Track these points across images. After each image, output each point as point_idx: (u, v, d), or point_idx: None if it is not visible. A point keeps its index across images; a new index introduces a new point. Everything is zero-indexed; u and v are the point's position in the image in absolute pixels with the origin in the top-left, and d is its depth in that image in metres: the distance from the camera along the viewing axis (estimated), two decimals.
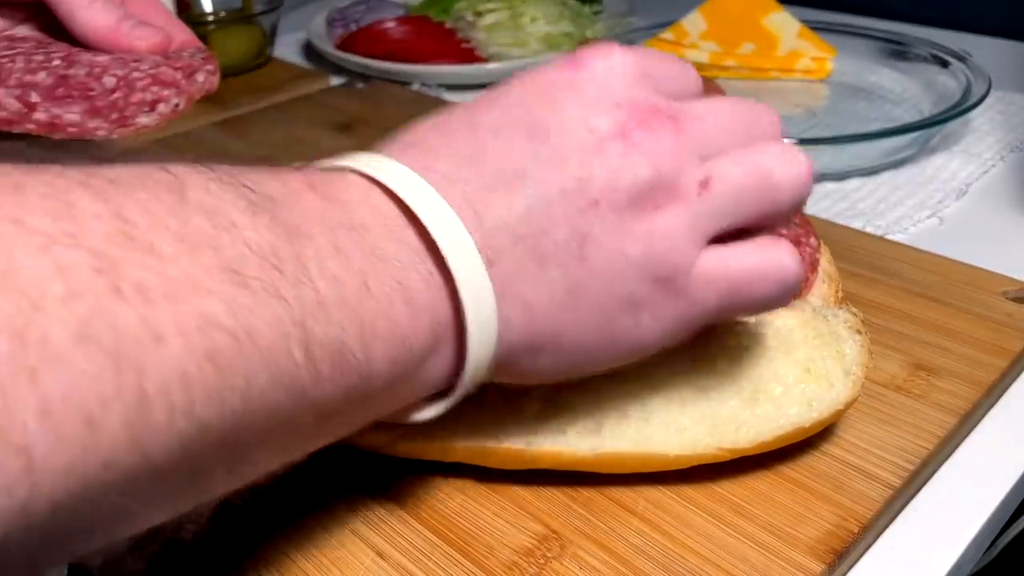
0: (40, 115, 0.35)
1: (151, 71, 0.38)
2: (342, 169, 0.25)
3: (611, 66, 0.27)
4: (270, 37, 0.82)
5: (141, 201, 0.19)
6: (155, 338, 0.17)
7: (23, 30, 0.43)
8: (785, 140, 0.60)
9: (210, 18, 0.81)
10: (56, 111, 0.35)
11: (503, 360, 0.26)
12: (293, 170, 0.24)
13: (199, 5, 0.83)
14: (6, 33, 0.42)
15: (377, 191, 0.24)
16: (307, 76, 0.79)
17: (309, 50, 0.93)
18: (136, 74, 0.37)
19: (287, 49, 0.92)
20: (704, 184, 0.26)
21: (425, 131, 0.26)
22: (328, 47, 0.84)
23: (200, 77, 0.38)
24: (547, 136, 0.25)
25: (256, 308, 0.19)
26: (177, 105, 0.37)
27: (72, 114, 0.35)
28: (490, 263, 0.24)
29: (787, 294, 0.28)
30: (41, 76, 0.37)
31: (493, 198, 0.24)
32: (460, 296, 0.23)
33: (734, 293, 0.27)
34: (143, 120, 0.36)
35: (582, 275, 0.25)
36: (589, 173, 0.25)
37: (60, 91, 0.36)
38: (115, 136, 0.36)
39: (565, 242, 0.25)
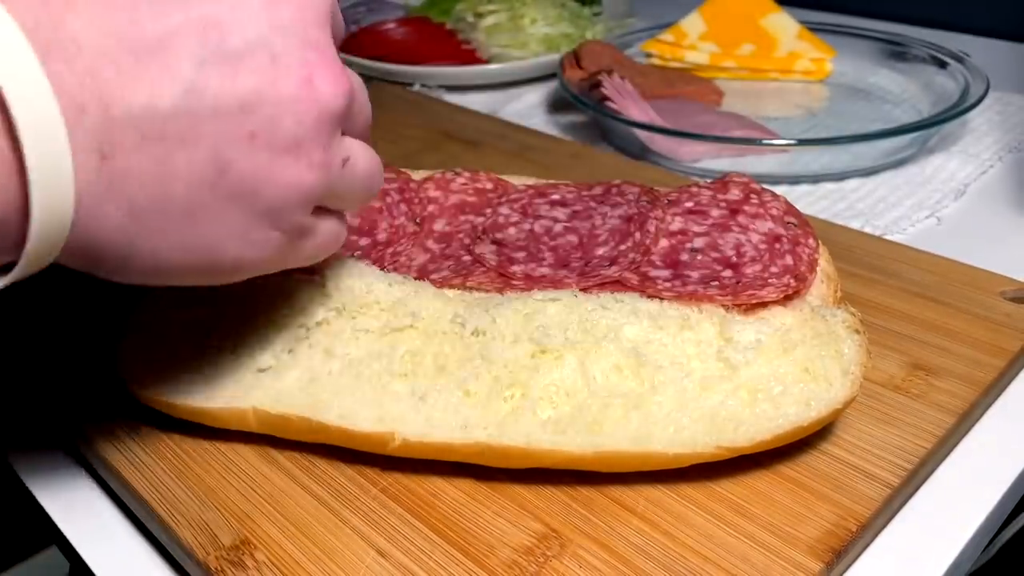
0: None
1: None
2: None
3: None
4: None
5: None
6: None
7: None
8: (784, 141, 0.60)
9: None
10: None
11: (92, 251, 0.24)
12: None
13: None
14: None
15: None
16: None
17: None
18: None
19: None
20: (344, 162, 0.28)
21: None
22: None
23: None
24: (222, 41, 0.23)
25: None
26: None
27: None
28: (101, 156, 0.22)
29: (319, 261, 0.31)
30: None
31: (132, 86, 0.22)
32: (28, 177, 0.21)
33: (320, 252, 0.30)
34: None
35: (207, 199, 0.24)
36: (256, 101, 0.24)
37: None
38: None
39: (201, 162, 0.24)
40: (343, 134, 0.28)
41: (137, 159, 0.23)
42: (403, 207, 0.44)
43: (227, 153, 0.24)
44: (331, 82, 0.25)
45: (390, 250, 0.41)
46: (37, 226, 0.22)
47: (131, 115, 0.22)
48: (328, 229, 0.30)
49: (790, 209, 0.41)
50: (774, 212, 0.40)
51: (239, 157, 0.24)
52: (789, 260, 0.38)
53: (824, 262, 0.39)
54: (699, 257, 0.38)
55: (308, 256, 0.30)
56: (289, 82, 0.24)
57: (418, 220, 0.43)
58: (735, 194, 0.42)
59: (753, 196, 0.41)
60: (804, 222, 0.40)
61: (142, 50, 0.22)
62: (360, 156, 0.29)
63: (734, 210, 0.41)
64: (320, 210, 0.29)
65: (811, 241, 0.39)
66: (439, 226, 0.43)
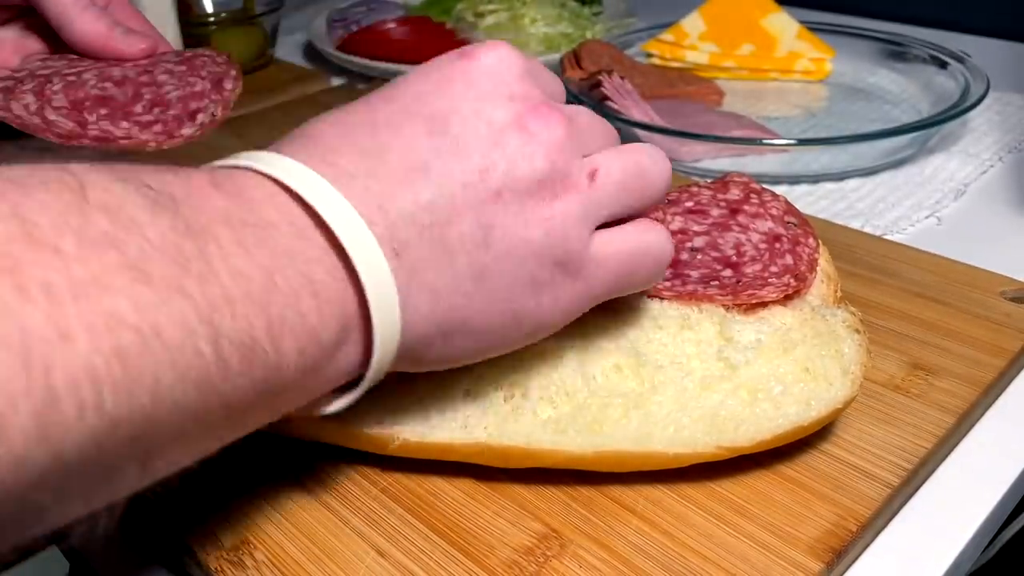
0: (93, 131, 0.37)
1: (182, 89, 0.41)
2: (243, 168, 0.25)
3: (500, 59, 0.28)
4: (271, 38, 0.83)
5: (42, 202, 0.19)
6: (62, 336, 0.17)
7: (8, 32, 0.44)
8: (784, 141, 0.60)
9: (211, 19, 0.82)
10: (107, 127, 0.38)
11: (415, 346, 0.27)
12: (195, 169, 0.24)
13: (200, 6, 0.83)
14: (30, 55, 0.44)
15: (279, 190, 0.24)
16: (308, 77, 0.79)
17: (310, 51, 0.93)
18: (168, 88, 0.40)
19: (288, 50, 0.93)
20: (592, 175, 0.28)
21: (325, 127, 0.27)
22: (329, 48, 0.84)
23: (228, 84, 0.41)
24: (446, 129, 0.27)
25: (161, 305, 0.19)
26: (214, 114, 0.40)
27: (121, 129, 0.38)
28: (395, 254, 0.25)
29: (662, 270, 0.32)
30: (82, 94, 0.40)
31: (397, 191, 0.25)
32: (364, 288, 0.24)
33: (623, 272, 0.30)
34: (186, 131, 0.38)
35: (487, 262, 0.27)
36: (490, 164, 0.26)
37: (104, 110, 0.39)
38: (165, 147, 0.39)
39: (470, 232, 0.26)
40: (585, 156, 0.29)
41: (420, 248, 0.25)
42: None
43: (485, 216, 0.26)
44: (542, 119, 0.28)
45: None
46: (379, 333, 0.25)
47: (405, 213, 0.25)
48: (626, 240, 0.30)
49: (790, 209, 0.41)
50: (774, 212, 0.40)
51: (496, 214, 0.26)
52: (789, 260, 0.38)
53: (824, 262, 0.39)
54: (699, 256, 0.38)
55: (613, 275, 0.30)
56: (509, 136, 0.27)
57: None
58: (735, 194, 0.42)
59: (753, 196, 0.41)
60: (804, 222, 0.40)
61: (395, 167, 0.26)
62: (610, 163, 0.29)
63: (734, 210, 0.41)
64: (610, 230, 0.30)
65: (811, 241, 0.39)
66: None
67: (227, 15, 0.82)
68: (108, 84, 0.41)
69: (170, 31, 0.69)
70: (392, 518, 0.32)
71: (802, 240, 0.39)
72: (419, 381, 0.34)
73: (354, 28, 0.88)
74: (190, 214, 0.22)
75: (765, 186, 0.43)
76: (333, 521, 0.32)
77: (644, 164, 0.30)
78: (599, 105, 0.62)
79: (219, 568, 0.30)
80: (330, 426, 0.33)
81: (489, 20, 0.83)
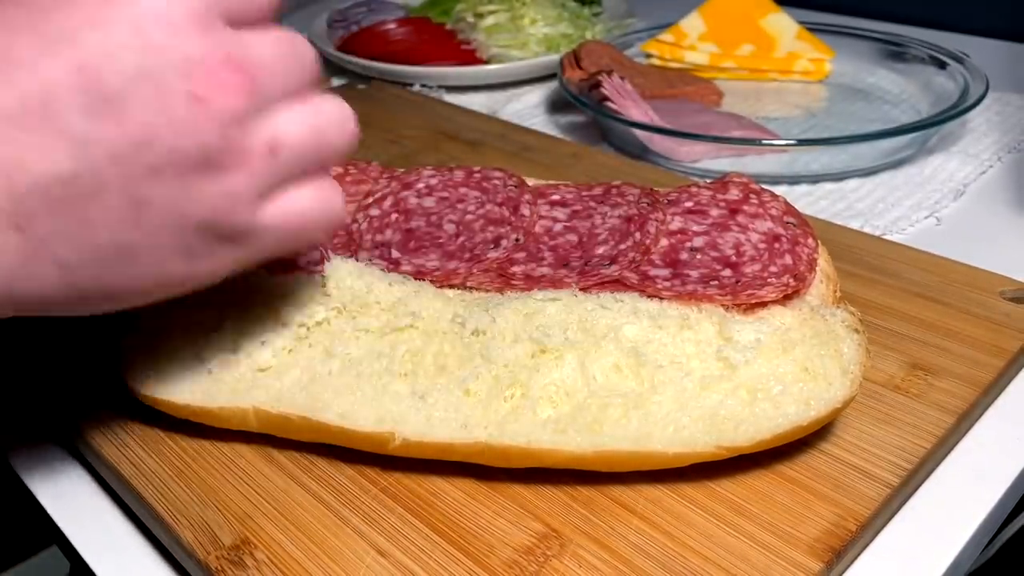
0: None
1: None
2: None
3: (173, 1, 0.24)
4: None
5: None
6: None
7: None
8: (784, 141, 0.60)
9: None
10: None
11: (36, 305, 0.25)
12: None
13: None
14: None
15: None
16: None
17: None
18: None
19: None
20: (270, 149, 0.26)
21: None
22: (329, 48, 0.84)
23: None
24: (100, 85, 0.23)
25: None
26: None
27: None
28: (19, 229, 0.23)
29: (331, 231, 0.30)
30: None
31: (28, 156, 0.23)
32: None
33: (291, 238, 0.28)
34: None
35: (136, 237, 0.25)
36: (151, 135, 0.23)
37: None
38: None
39: (117, 208, 0.24)
40: (269, 107, 0.26)
41: (53, 222, 0.23)
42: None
43: (138, 192, 0.24)
44: (220, 87, 0.24)
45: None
46: None
47: (35, 184, 0.23)
48: (299, 203, 0.28)
49: (789, 209, 0.41)
50: (773, 212, 0.40)
51: (151, 191, 0.24)
52: (788, 260, 0.38)
53: (823, 262, 0.39)
54: (698, 256, 0.38)
55: (282, 240, 0.28)
56: (178, 106, 0.24)
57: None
58: (734, 194, 0.42)
59: (752, 196, 0.42)
60: (803, 222, 0.40)
61: (26, 116, 0.22)
62: (291, 131, 0.27)
63: (733, 210, 0.41)
64: (283, 188, 0.27)
65: (810, 241, 0.39)
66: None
67: None
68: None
69: None
70: (392, 518, 0.32)
71: (801, 240, 0.39)
72: (420, 377, 0.34)
73: (354, 28, 0.88)
74: None
75: (764, 186, 0.43)
76: (333, 520, 0.32)
77: (326, 131, 0.28)
78: (599, 105, 0.62)
79: (219, 568, 0.30)
80: (331, 426, 0.33)
81: (489, 21, 0.83)
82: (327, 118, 0.28)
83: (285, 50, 0.27)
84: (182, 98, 0.24)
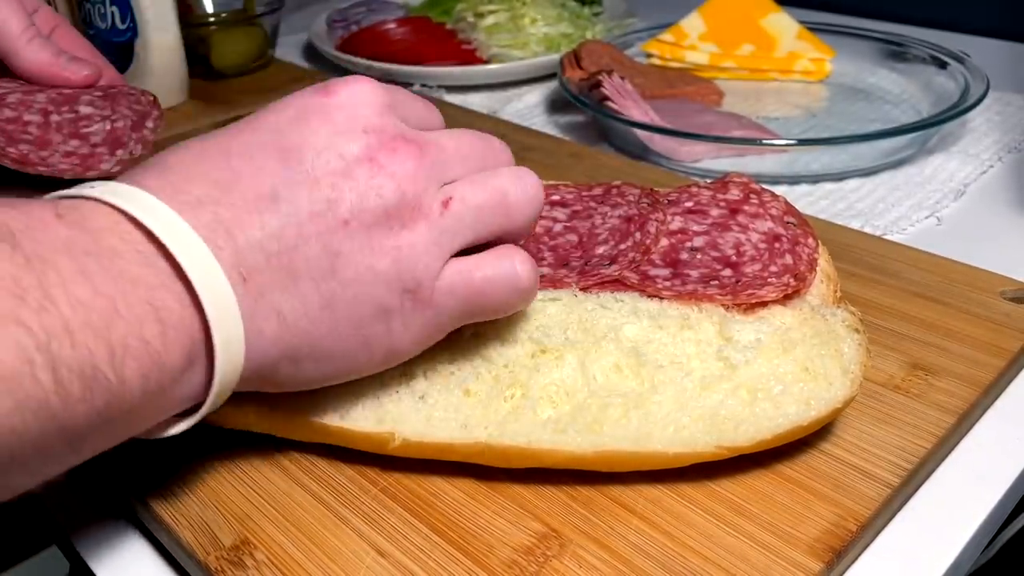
0: (12, 152, 0.41)
1: (106, 129, 0.45)
2: (88, 198, 0.25)
3: (359, 93, 0.29)
4: (271, 38, 0.83)
5: None
6: None
7: None
8: (784, 141, 0.60)
9: (211, 19, 0.82)
10: (26, 151, 0.42)
11: (263, 369, 0.28)
12: (38, 200, 0.25)
13: (201, 6, 0.83)
14: None
15: (123, 218, 0.25)
16: (308, 77, 0.79)
17: (310, 51, 0.93)
18: (93, 128, 0.44)
19: (288, 50, 0.93)
20: (445, 204, 0.29)
21: (180, 155, 0.28)
22: (329, 48, 0.84)
23: (150, 123, 0.45)
24: (299, 160, 0.27)
25: None
26: (132, 152, 0.43)
27: (38, 156, 0.42)
28: (243, 279, 0.26)
29: (523, 297, 0.32)
30: (3, 118, 0.44)
31: (245, 218, 0.26)
32: (206, 314, 0.25)
33: (474, 300, 0.30)
34: (104, 166, 0.42)
35: (335, 288, 0.27)
36: (339, 195, 0.27)
37: (27, 135, 0.43)
38: (88, 175, 0.42)
39: (317, 258, 0.27)
40: (447, 184, 0.30)
41: (268, 273, 0.26)
42: None
43: (333, 244, 0.27)
44: (392, 152, 0.28)
45: None
46: (222, 358, 0.25)
47: (252, 240, 0.26)
48: (482, 267, 0.30)
49: (790, 209, 0.41)
50: (774, 212, 0.40)
51: (343, 242, 0.27)
52: (789, 260, 0.38)
53: (824, 262, 0.39)
54: (699, 256, 0.38)
55: (465, 303, 0.30)
56: (359, 168, 0.28)
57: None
58: (735, 194, 0.42)
59: (753, 196, 0.41)
60: (804, 222, 0.40)
61: (245, 198, 0.27)
62: (468, 191, 0.30)
63: (734, 210, 0.41)
64: (465, 258, 0.30)
65: (811, 241, 0.39)
66: None
67: (227, 15, 0.82)
68: (34, 115, 0.45)
69: (171, 32, 0.69)
70: (392, 518, 0.32)
71: (802, 240, 0.39)
72: (418, 378, 0.34)
73: (354, 28, 0.88)
74: (29, 246, 0.22)
75: (765, 186, 0.43)
76: (333, 521, 0.32)
77: (507, 190, 0.30)
78: (599, 105, 0.62)
79: (219, 568, 0.30)
80: (331, 426, 0.33)
81: (489, 20, 0.83)
82: (509, 182, 0.31)
83: (467, 139, 0.31)
84: (363, 162, 0.28)
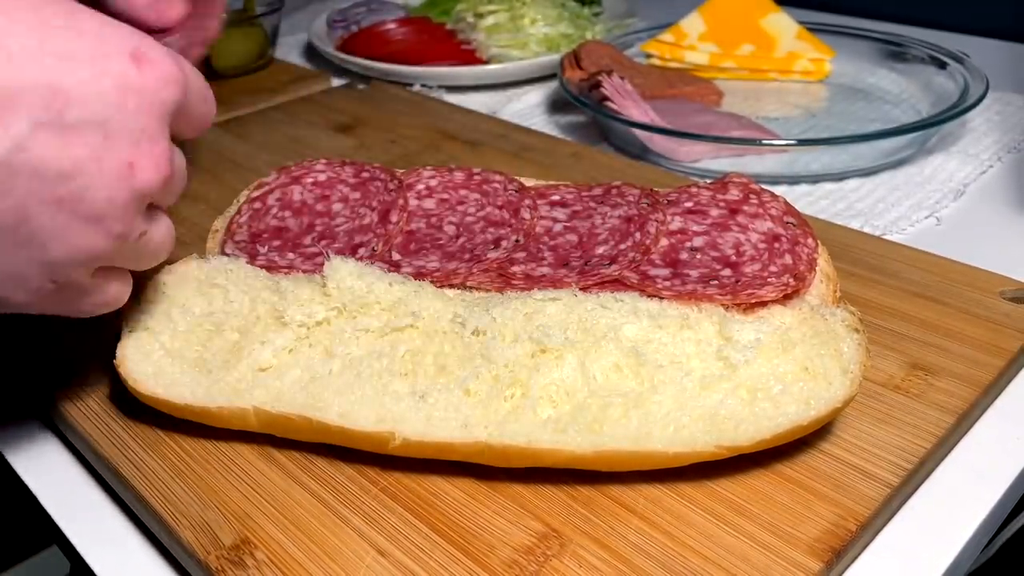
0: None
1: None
2: None
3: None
4: (271, 38, 0.83)
5: None
6: None
7: None
8: (784, 141, 0.60)
9: None
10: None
11: None
12: None
13: None
14: None
15: None
16: (308, 77, 0.79)
17: (310, 51, 0.93)
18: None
19: (288, 50, 0.93)
20: (142, 235, 0.30)
21: None
22: (329, 48, 0.84)
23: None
24: (66, 106, 0.26)
25: None
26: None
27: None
28: None
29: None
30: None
31: None
32: None
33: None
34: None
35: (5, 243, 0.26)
36: (78, 171, 0.26)
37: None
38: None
39: (4, 212, 0.26)
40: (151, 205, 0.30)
41: None
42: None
43: (31, 209, 0.26)
44: (152, 171, 0.28)
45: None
46: None
47: None
48: (109, 291, 0.31)
49: (789, 209, 0.41)
50: (773, 212, 0.40)
51: (41, 214, 0.26)
52: (788, 260, 0.38)
53: (823, 262, 0.39)
54: (698, 256, 0.38)
55: (83, 310, 0.31)
56: (112, 163, 0.27)
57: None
58: (734, 194, 0.42)
59: (752, 196, 0.42)
60: (803, 222, 0.40)
61: None
62: (157, 230, 0.30)
63: (733, 210, 0.41)
64: (104, 271, 0.30)
65: (810, 241, 0.39)
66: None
67: (227, 15, 0.82)
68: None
69: None
70: (392, 517, 0.32)
71: (801, 240, 0.39)
72: (420, 377, 0.34)
73: (354, 28, 0.88)
74: None
75: (764, 186, 0.43)
76: (333, 520, 0.32)
77: (168, 241, 0.32)
78: (599, 105, 0.62)
79: (219, 568, 0.30)
80: (331, 426, 0.33)
81: (489, 21, 0.83)
82: (170, 235, 0.32)
83: (182, 163, 0.31)
84: (119, 159, 0.27)
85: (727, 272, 0.37)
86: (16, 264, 0.27)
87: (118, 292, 0.32)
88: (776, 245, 0.39)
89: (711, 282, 0.37)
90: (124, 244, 0.29)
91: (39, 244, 0.27)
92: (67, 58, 0.26)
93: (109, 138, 0.27)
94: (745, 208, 0.41)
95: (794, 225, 0.40)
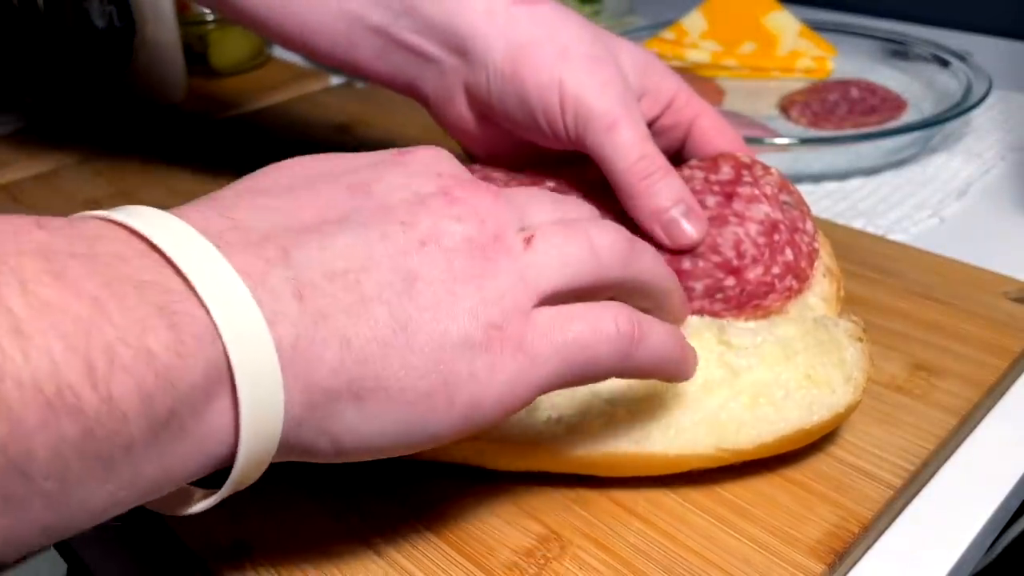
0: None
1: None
2: (91, 217, 0.22)
3: (435, 151, 0.28)
4: None
5: None
6: None
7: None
8: (786, 140, 0.59)
9: (209, 18, 0.81)
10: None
11: (319, 408, 0.23)
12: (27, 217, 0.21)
13: (198, 5, 0.83)
14: None
15: (130, 235, 0.21)
16: (306, 76, 0.79)
17: None
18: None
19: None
20: (528, 241, 0.26)
21: (228, 190, 0.25)
22: None
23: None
24: (369, 193, 0.26)
25: None
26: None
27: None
28: (298, 297, 0.22)
29: (626, 355, 0.27)
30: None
31: (304, 238, 0.23)
32: (219, 331, 0.20)
33: (572, 353, 0.26)
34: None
35: (411, 311, 0.24)
36: (414, 219, 0.25)
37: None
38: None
39: (390, 281, 0.24)
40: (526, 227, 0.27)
41: (333, 295, 0.23)
42: None
43: (408, 266, 0.24)
44: (468, 189, 0.27)
45: None
46: (252, 394, 0.21)
47: (310, 258, 0.23)
48: (571, 317, 0.26)
49: (784, 184, 0.39)
50: (768, 191, 0.39)
51: (421, 265, 0.24)
52: (789, 254, 0.37)
53: (826, 255, 0.38)
54: (700, 263, 0.37)
55: (562, 365, 0.26)
56: (434, 200, 0.26)
57: None
58: (726, 172, 0.40)
59: (745, 172, 0.40)
60: (800, 200, 0.39)
61: (304, 221, 0.24)
62: (548, 231, 0.27)
63: (728, 194, 0.39)
64: (557, 307, 0.26)
65: (808, 225, 0.38)
66: None
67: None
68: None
69: (169, 29, 0.69)
70: (391, 518, 0.31)
71: (800, 225, 0.38)
72: None
73: None
74: None
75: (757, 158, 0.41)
76: (330, 521, 0.31)
77: (590, 236, 0.27)
78: None
79: (217, 569, 0.30)
80: None
81: None
82: (594, 228, 0.28)
83: (543, 192, 0.30)
84: (438, 195, 0.26)
85: (731, 282, 0.36)
86: (449, 328, 0.25)
87: (618, 320, 0.28)
88: (776, 237, 0.37)
89: (716, 295, 0.36)
90: (513, 256, 0.26)
91: (445, 292, 0.25)
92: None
93: (422, 197, 0.26)
94: (740, 190, 0.39)
95: (791, 205, 0.39)
